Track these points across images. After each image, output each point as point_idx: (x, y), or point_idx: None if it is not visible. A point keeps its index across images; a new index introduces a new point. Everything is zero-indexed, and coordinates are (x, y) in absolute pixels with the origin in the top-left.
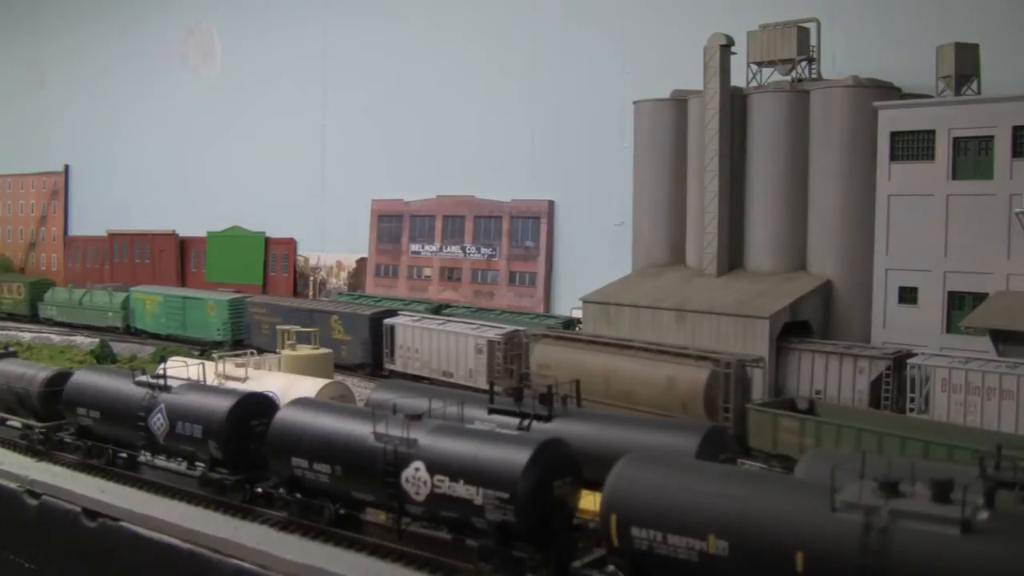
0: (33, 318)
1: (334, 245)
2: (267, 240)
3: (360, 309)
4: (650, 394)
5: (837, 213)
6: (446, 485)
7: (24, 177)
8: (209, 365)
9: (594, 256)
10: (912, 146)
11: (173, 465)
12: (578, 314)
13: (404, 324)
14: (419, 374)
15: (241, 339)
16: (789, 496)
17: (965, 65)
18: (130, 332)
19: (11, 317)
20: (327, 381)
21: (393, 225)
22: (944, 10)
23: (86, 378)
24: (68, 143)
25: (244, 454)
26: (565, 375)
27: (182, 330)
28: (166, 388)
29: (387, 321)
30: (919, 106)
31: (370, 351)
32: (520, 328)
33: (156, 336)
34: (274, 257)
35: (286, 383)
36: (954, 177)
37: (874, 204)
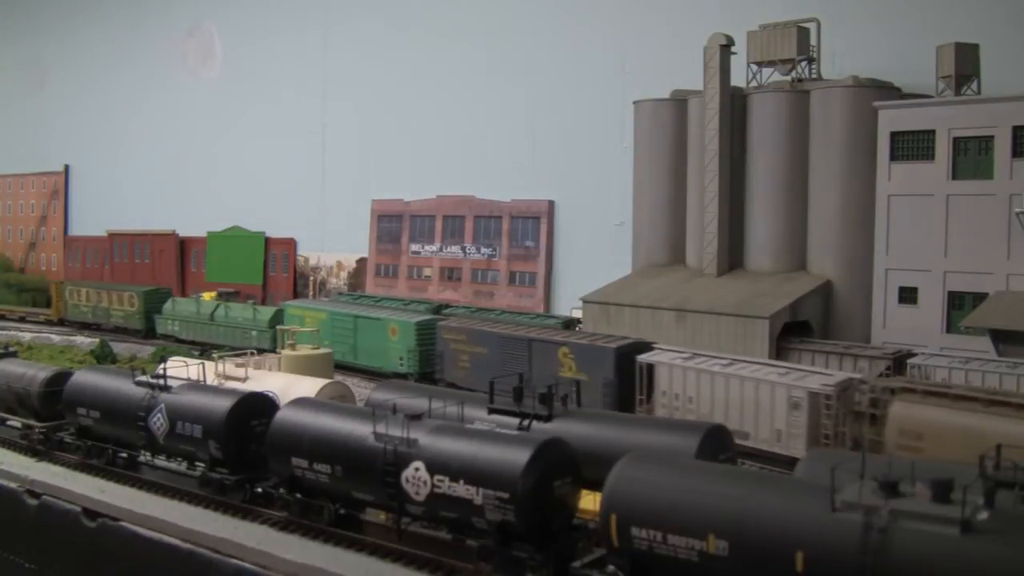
0: (148, 334)
1: (334, 245)
2: (267, 240)
3: (601, 340)
4: None
5: (837, 213)
6: (446, 485)
7: (24, 177)
8: (209, 365)
9: (594, 256)
10: (912, 146)
11: (173, 465)
12: (578, 314)
13: (669, 363)
14: None
15: (430, 372)
16: (789, 496)
17: (965, 65)
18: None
19: (121, 331)
20: (327, 381)
21: (393, 225)
22: (944, 10)
23: (86, 378)
24: (68, 143)
25: (244, 454)
26: (953, 453)
27: (352, 357)
28: (166, 388)
29: (641, 358)
30: (919, 106)
31: (615, 396)
32: (856, 376)
33: None
34: (274, 257)
35: (286, 383)
36: (954, 177)
37: (874, 204)
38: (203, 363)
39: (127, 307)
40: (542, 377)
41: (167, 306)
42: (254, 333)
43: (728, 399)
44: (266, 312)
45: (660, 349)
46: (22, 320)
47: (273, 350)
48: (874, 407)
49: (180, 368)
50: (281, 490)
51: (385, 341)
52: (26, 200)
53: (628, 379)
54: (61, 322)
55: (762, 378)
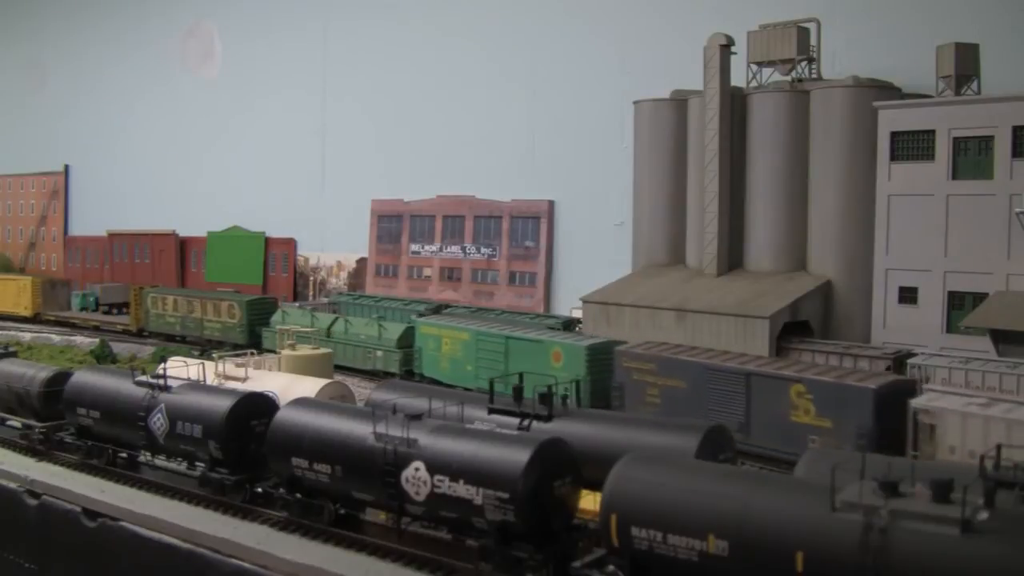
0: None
1: (334, 245)
2: (267, 240)
3: (851, 377)
4: None
5: (837, 213)
6: (446, 485)
7: (24, 177)
8: (209, 365)
9: (594, 256)
10: (912, 146)
11: (173, 465)
12: (578, 314)
13: (961, 411)
14: None
15: (606, 406)
16: (789, 496)
17: (965, 65)
18: (414, 379)
19: (216, 345)
20: (327, 381)
21: (393, 225)
22: (944, 10)
23: (86, 378)
24: (68, 143)
25: (244, 454)
26: None
27: (502, 386)
28: (166, 388)
29: (916, 402)
30: (919, 106)
31: (874, 449)
32: None
33: (449, 387)
34: (274, 257)
35: (286, 383)
36: (954, 177)
37: (874, 204)
38: (203, 363)
39: (226, 318)
40: (766, 423)
41: (276, 318)
42: (379, 354)
43: None
44: (395, 329)
45: (934, 391)
46: (96, 329)
47: (407, 374)
48: None
49: (180, 368)
50: (281, 490)
51: (546, 368)
52: (26, 200)
53: (892, 428)
54: (140, 332)
55: None
